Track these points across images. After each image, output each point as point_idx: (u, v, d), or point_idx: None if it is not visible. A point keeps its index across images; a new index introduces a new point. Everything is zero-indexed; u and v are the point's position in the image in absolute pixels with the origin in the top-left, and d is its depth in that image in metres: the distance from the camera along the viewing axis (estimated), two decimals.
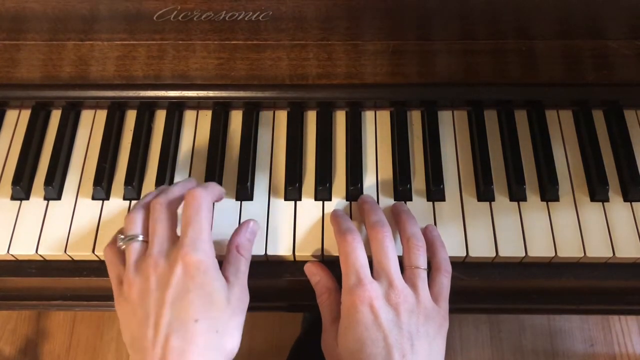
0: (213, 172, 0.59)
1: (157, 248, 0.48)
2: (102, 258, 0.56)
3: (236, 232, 0.53)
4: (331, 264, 0.54)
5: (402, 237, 0.53)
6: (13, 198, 0.59)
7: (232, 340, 0.48)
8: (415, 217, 0.55)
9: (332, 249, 0.55)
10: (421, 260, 0.51)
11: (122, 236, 0.50)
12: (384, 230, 0.52)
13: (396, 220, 0.55)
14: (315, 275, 0.55)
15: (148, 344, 0.45)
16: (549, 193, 0.57)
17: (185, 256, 0.46)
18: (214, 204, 0.55)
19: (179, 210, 0.52)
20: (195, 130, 0.62)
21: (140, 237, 0.49)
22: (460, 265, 0.56)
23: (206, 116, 0.63)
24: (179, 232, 0.49)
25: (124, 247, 0.49)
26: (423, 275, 0.51)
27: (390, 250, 0.51)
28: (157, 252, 0.47)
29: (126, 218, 0.51)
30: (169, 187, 0.53)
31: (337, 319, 0.51)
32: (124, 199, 0.58)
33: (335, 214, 0.56)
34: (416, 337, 0.48)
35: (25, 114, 0.63)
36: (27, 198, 0.59)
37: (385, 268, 0.50)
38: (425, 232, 0.55)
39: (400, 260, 0.52)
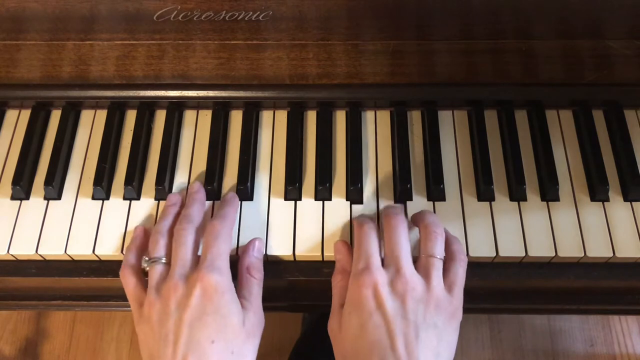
0: (213, 172, 0.59)
1: (179, 271, 0.50)
2: (102, 258, 0.56)
3: (244, 252, 0.54)
4: (333, 265, 0.54)
5: (420, 225, 0.53)
6: (13, 198, 0.59)
7: None
8: None
9: (332, 248, 0.55)
10: (438, 249, 0.50)
11: (147, 258, 0.52)
12: (399, 217, 0.52)
13: (414, 215, 0.55)
14: (340, 253, 0.54)
15: None
16: (549, 193, 0.57)
17: (204, 277, 0.48)
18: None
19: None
20: (195, 130, 0.62)
21: (164, 260, 0.52)
22: None
23: (206, 116, 0.63)
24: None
25: (147, 268, 0.52)
26: (438, 265, 0.50)
27: (402, 237, 0.50)
28: (178, 274, 0.50)
29: (150, 241, 0.53)
30: (189, 212, 0.54)
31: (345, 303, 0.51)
32: (124, 198, 0.58)
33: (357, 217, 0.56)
34: (423, 328, 0.47)
35: (25, 114, 0.63)
36: (27, 198, 0.59)
37: (395, 255, 0.49)
38: None
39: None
